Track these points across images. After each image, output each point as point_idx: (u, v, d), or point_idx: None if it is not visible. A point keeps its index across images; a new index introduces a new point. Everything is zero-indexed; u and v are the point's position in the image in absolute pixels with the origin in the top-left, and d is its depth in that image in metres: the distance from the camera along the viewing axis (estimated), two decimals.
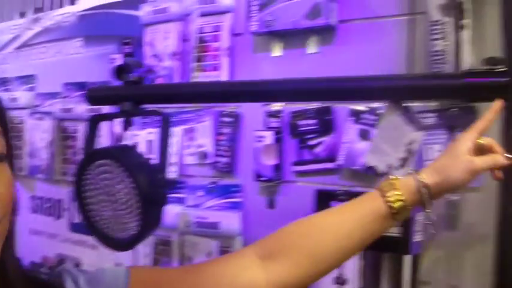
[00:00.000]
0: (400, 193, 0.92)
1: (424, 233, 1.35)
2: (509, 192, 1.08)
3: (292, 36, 1.62)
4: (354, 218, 0.94)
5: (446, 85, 0.92)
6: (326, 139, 1.53)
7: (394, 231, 1.33)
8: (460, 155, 0.91)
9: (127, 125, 1.72)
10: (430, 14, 1.37)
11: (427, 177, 0.92)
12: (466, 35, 1.32)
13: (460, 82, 0.90)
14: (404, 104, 0.99)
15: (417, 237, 1.34)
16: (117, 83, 1.38)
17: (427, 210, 0.93)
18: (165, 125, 1.19)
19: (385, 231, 0.96)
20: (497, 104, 0.92)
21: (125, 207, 1.08)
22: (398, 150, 0.98)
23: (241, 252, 1.02)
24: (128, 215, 1.09)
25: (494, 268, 1.24)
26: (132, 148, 1.31)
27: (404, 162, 0.98)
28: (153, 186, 1.09)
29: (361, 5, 1.51)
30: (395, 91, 0.95)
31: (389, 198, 0.92)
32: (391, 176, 0.96)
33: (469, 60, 1.29)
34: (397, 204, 0.92)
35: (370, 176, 1.43)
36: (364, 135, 1.43)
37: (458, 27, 1.33)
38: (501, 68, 0.89)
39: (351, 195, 1.45)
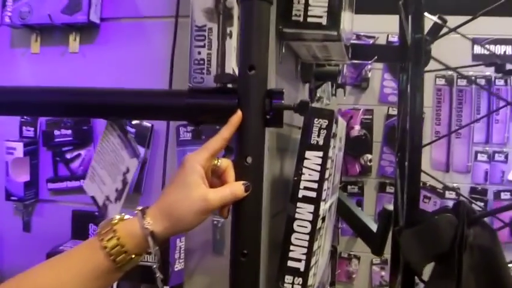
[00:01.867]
0: (121, 242, 0.74)
1: (184, 260, 1.21)
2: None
3: (50, 33, 1.40)
4: (72, 276, 0.73)
5: (165, 105, 0.77)
6: (83, 152, 1.33)
7: (149, 261, 1.18)
8: (192, 188, 0.75)
9: None
10: (194, 18, 1.22)
11: (154, 221, 0.75)
12: (231, 44, 1.19)
13: (182, 102, 0.75)
14: (123, 123, 0.82)
15: (178, 266, 1.19)
16: None
17: (154, 255, 0.75)
18: None
19: (114, 282, 0.78)
20: (234, 119, 0.77)
21: None
22: (116, 179, 0.82)
23: None
24: None
25: None
26: None
27: (120, 194, 0.82)
28: None
29: (127, 3, 1.33)
30: (110, 108, 0.78)
31: (110, 250, 0.73)
32: (116, 216, 0.76)
33: (234, 71, 1.16)
34: (119, 257, 0.74)
35: (130, 195, 1.26)
36: None
37: (224, 36, 1.19)
38: (232, 87, 0.76)
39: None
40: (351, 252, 3.06)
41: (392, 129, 2.99)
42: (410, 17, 1.41)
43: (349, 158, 2.96)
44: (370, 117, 3.01)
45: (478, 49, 2.99)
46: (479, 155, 2.95)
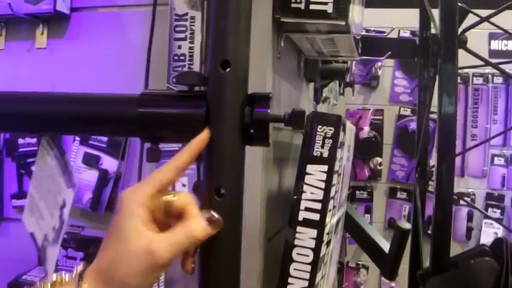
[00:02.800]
0: None
1: None
2: None
3: (16, 25, 1.22)
4: None
5: (110, 116, 0.57)
6: None
7: None
8: (131, 239, 0.55)
9: None
10: (173, 5, 1.04)
11: (92, 285, 0.56)
12: None
13: (133, 112, 0.56)
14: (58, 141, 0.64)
15: None
16: None
17: None
18: None
19: None
20: (196, 141, 0.58)
21: None
22: (53, 214, 0.63)
23: None
24: None
25: None
26: None
27: (57, 235, 0.63)
28: None
29: None
30: (38, 120, 0.59)
31: None
32: (47, 283, 0.57)
33: None
34: None
35: (102, 216, 1.08)
36: (90, 163, 1.07)
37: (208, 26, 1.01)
38: (200, 90, 0.57)
39: (77, 240, 1.13)
40: (359, 262, 2.87)
41: (403, 131, 2.79)
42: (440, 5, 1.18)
43: (357, 162, 2.76)
44: (381, 117, 2.82)
45: (495, 45, 2.80)
46: (496, 158, 2.76)
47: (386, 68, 2.85)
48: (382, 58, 1.56)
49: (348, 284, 2.85)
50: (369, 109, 2.82)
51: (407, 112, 2.80)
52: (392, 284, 2.82)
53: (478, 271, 0.97)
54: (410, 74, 2.81)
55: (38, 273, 1.11)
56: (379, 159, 2.79)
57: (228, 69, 0.55)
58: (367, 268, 2.86)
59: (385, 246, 1.40)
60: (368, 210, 2.82)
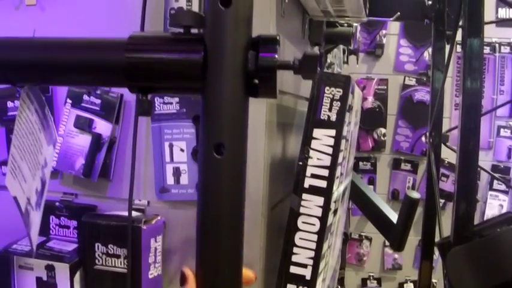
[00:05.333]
0: None
1: (162, 265, 0.97)
2: None
3: None
4: None
5: (92, 62, 0.50)
6: None
7: (119, 266, 0.94)
8: None
9: None
10: None
11: None
12: None
13: (120, 58, 0.48)
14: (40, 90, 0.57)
15: (153, 272, 0.95)
16: None
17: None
18: None
19: None
20: None
21: None
22: (35, 175, 0.56)
23: None
24: None
25: None
26: None
27: (39, 198, 0.56)
28: None
29: None
30: (13, 68, 0.52)
31: None
32: None
33: None
34: None
35: (95, 183, 1.02)
36: (82, 127, 1.00)
37: None
38: (199, 33, 0.50)
39: (70, 208, 1.07)
40: (362, 233, 2.82)
41: (408, 101, 2.72)
42: None
43: (361, 132, 2.70)
44: (385, 87, 2.74)
45: (502, 13, 2.71)
46: (502, 130, 2.69)
47: (391, 36, 2.76)
48: (390, 19, 1.48)
49: (350, 256, 2.81)
50: (373, 78, 2.75)
51: (412, 82, 2.73)
52: (396, 256, 2.78)
53: (506, 240, 0.90)
54: (416, 42, 2.73)
55: (28, 242, 1.05)
56: (383, 130, 2.73)
57: (229, 6, 0.47)
58: (370, 239, 2.81)
59: (393, 216, 1.34)
60: (371, 182, 2.76)
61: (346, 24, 1.53)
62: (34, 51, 0.53)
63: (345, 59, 2.05)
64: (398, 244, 1.31)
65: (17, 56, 0.54)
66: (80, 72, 0.52)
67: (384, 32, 2.72)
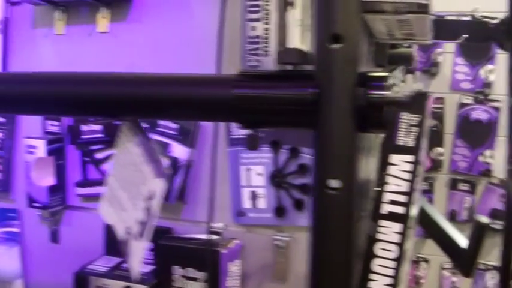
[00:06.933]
0: None
1: None
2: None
3: (76, 9, 1.18)
4: None
5: (200, 98, 0.51)
6: None
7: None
8: None
9: None
10: None
11: None
12: (294, 15, 0.94)
13: (228, 94, 0.49)
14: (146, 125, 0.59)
15: None
16: None
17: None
18: None
19: None
20: None
21: None
22: (136, 206, 0.58)
23: None
24: None
25: None
26: None
27: (143, 229, 0.57)
28: None
29: None
30: (121, 104, 0.54)
31: None
32: None
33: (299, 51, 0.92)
34: None
35: (171, 206, 1.04)
36: (159, 151, 1.02)
37: (285, 5, 0.95)
38: (307, 70, 0.51)
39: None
40: (420, 255, 2.76)
41: (465, 120, 2.67)
42: None
43: None
44: (441, 106, 2.70)
45: None
46: None
47: (447, 54, 2.73)
48: (455, 42, 1.46)
49: (409, 278, 2.76)
50: (429, 97, 2.71)
51: (469, 100, 2.67)
52: (454, 279, 2.71)
53: None
54: (472, 60, 2.68)
55: (105, 263, 1.08)
56: (440, 149, 2.68)
57: (338, 44, 0.48)
58: (427, 261, 2.75)
59: (461, 241, 1.31)
60: (429, 202, 2.71)
61: (405, 45, 1.52)
62: (141, 86, 0.55)
63: (403, 78, 2.04)
64: (467, 270, 1.28)
65: (123, 90, 0.55)
66: (186, 107, 0.53)
67: (439, 50, 2.69)
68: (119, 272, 1.03)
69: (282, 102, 0.50)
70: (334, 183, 0.48)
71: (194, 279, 0.94)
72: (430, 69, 2.72)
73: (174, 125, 1.00)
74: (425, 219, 1.36)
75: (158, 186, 0.56)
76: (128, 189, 0.59)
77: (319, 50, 0.50)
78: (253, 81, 0.52)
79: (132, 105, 0.55)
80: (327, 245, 0.49)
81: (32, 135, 1.17)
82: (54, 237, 1.22)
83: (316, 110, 0.49)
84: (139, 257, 0.58)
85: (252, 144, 0.51)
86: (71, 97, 0.56)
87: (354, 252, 0.50)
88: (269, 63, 0.93)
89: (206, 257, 0.89)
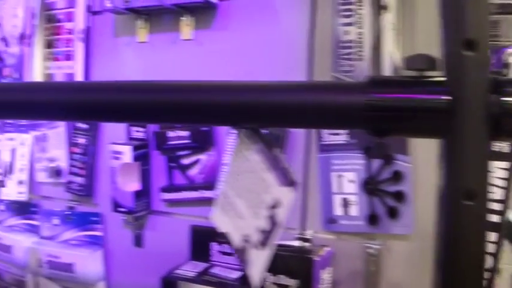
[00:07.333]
0: None
1: None
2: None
3: (159, 17, 1.19)
4: None
5: (329, 105, 0.50)
6: (203, 157, 1.11)
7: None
8: None
9: None
10: None
11: None
12: (388, 19, 0.93)
13: (359, 101, 0.49)
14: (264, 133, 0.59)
15: None
16: None
17: None
18: None
19: None
20: None
21: None
22: (258, 214, 0.57)
23: None
24: None
25: None
26: None
27: (266, 238, 0.57)
28: None
29: None
30: (244, 111, 0.54)
31: None
32: None
33: (393, 56, 0.91)
34: None
35: None
36: None
37: (379, 9, 0.94)
38: (437, 76, 0.49)
39: None
40: None
41: None
42: None
43: None
44: None
45: None
46: None
47: None
48: None
49: None
50: None
51: None
52: None
53: None
54: None
55: (192, 268, 1.08)
56: None
57: (471, 51, 0.46)
58: (499, 271, 2.68)
59: None
60: None
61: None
62: (264, 93, 0.55)
63: None
64: None
65: (246, 98, 0.55)
66: (313, 114, 0.52)
67: (509, 50, 2.61)
68: (207, 277, 1.03)
69: (416, 110, 0.49)
70: (469, 193, 0.46)
71: (285, 286, 0.93)
72: (501, 70, 2.65)
73: (264, 131, 1.00)
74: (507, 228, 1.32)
75: (284, 194, 0.56)
76: (246, 197, 0.59)
77: (450, 56, 0.48)
78: (385, 88, 0.50)
79: (255, 113, 0.55)
80: (461, 257, 0.48)
81: (117, 141, 1.19)
82: (138, 242, 1.24)
83: (449, 118, 0.47)
84: (260, 266, 0.58)
85: (379, 152, 0.50)
86: (192, 106, 0.56)
87: (484, 263, 0.48)
88: (363, 68, 0.92)
89: (299, 265, 0.89)
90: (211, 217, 0.64)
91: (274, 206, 0.57)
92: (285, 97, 0.53)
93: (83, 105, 0.64)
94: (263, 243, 0.58)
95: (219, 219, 0.62)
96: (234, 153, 0.60)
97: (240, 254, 0.60)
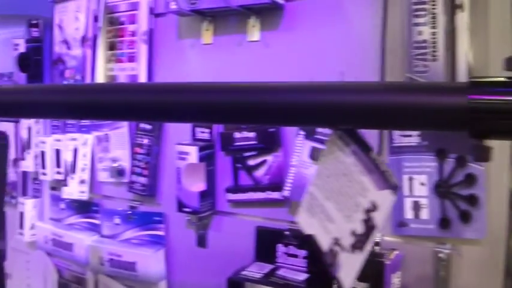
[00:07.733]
0: None
1: None
2: None
3: (224, 19, 1.20)
4: None
5: (430, 105, 0.50)
6: (269, 159, 1.12)
7: None
8: None
9: None
10: None
11: None
12: (463, 18, 0.92)
13: (462, 101, 0.48)
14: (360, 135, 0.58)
15: None
16: None
17: None
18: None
19: None
20: None
21: None
22: (351, 217, 0.57)
23: None
24: None
25: None
26: None
27: (361, 242, 0.56)
28: None
29: None
30: (339, 112, 0.54)
31: None
32: None
33: (468, 56, 0.89)
34: None
35: None
36: (317, 158, 1.02)
37: (453, 8, 0.93)
38: None
39: (301, 237, 1.09)
40: None
41: None
42: None
43: None
44: None
45: None
46: None
47: None
48: None
49: None
50: None
51: None
52: None
53: None
54: None
55: (258, 269, 1.09)
56: None
57: None
58: None
59: None
60: None
61: None
62: (361, 94, 0.55)
63: None
64: None
65: (343, 98, 0.55)
66: (414, 115, 0.52)
67: None
68: (273, 279, 1.03)
69: None
70: None
71: None
72: None
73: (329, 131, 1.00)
74: None
75: (384, 198, 0.56)
76: (336, 199, 0.59)
77: None
78: (488, 89, 0.50)
79: (354, 113, 0.55)
80: None
81: (183, 142, 1.20)
82: (202, 242, 1.25)
83: None
84: (352, 270, 0.58)
85: (482, 155, 0.49)
86: (293, 107, 0.57)
87: None
88: (438, 68, 0.91)
89: (370, 268, 0.88)
90: (297, 219, 0.64)
91: (370, 210, 0.56)
92: (385, 98, 0.53)
93: (159, 105, 0.65)
94: (356, 247, 0.57)
95: (305, 222, 0.62)
96: (325, 154, 0.60)
97: (329, 257, 0.60)
